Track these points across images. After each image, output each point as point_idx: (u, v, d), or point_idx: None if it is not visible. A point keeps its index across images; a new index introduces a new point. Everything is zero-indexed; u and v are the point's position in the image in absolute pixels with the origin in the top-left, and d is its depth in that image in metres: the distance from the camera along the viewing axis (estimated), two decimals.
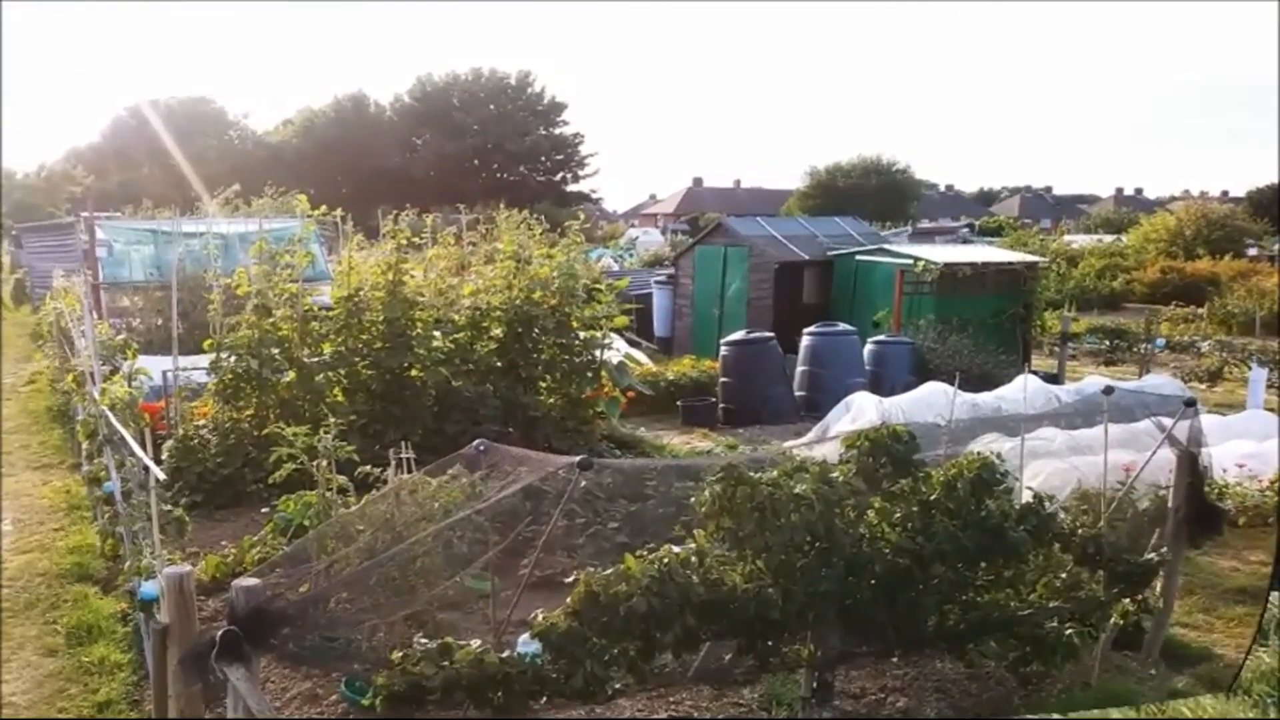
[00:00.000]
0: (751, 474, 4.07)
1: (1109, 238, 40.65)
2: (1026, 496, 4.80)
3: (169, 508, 5.38)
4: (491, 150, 67.50)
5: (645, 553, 3.86)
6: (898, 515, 4.32)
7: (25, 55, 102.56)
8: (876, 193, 57.02)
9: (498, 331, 9.84)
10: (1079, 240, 38.59)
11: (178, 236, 13.68)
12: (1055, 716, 4.67)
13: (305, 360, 8.87)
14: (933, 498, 4.33)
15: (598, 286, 10.54)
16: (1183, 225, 35.57)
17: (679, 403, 12.19)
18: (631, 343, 14.49)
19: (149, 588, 4.40)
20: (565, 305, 9.90)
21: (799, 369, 12.53)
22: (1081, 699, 4.83)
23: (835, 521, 4.06)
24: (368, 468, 5.64)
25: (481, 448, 4.49)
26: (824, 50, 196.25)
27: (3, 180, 40.00)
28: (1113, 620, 5.02)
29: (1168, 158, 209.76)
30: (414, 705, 3.46)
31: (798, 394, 12.34)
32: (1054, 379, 13.05)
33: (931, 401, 9.21)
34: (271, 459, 6.54)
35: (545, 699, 3.66)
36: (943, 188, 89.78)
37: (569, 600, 3.72)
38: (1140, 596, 5.02)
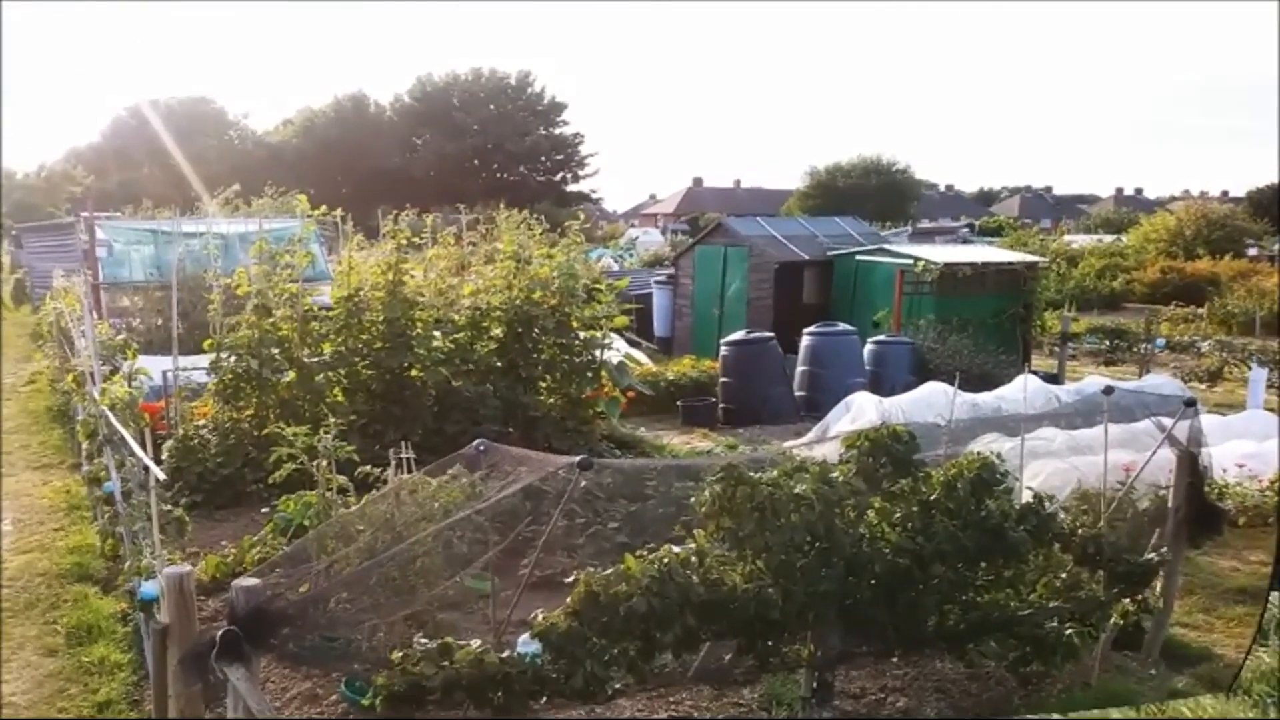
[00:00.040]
0: (751, 474, 4.07)
1: (1109, 238, 40.65)
2: (1026, 496, 4.80)
3: (169, 508, 5.38)
4: (491, 150, 67.51)
5: (645, 553, 3.86)
6: (898, 515, 4.32)
7: (25, 55, 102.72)
8: (876, 193, 57.03)
9: (498, 331, 9.84)
10: (1079, 240, 38.59)
11: (178, 236, 13.68)
12: (1055, 716, 4.67)
13: (305, 360, 8.87)
14: (933, 498, 4.33)
15: (598, 286, 10.54)
16: (1183, 225, 35.57)
17: (679, 403, 12.19)
18: (631, 343, 14.48)
19: (149, 588, 4.40)
20: (565, 305, 9.90)
21: (799, 369, 12.53)
22: (1081, 699, 4.83)
23: (835, 521, 4.06)
24: (368, 468, 5.64)
25: (481, 448, 4.49)
26: (824, 50, 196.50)
27: (3, 180, 39.99)
28: (1113, 620, 5.02)
29: (1168, 158, 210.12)
30: (414, 705, 3.46)
31: (798, 394, 12.34)
32: (1054, 379, 13.04)
33: (931, 401, 9.21)
34: (271, 459, 6.55)
35: (545, 699, 3.66)
36: (943, 188, 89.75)
37: (569, 600, 3.72)
38: (1140, 596, 5.02)
